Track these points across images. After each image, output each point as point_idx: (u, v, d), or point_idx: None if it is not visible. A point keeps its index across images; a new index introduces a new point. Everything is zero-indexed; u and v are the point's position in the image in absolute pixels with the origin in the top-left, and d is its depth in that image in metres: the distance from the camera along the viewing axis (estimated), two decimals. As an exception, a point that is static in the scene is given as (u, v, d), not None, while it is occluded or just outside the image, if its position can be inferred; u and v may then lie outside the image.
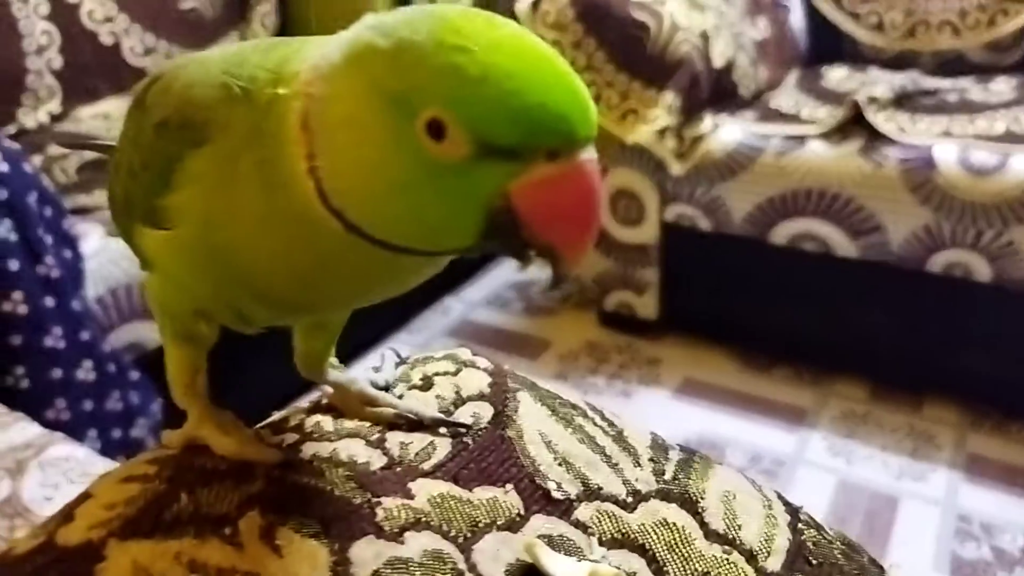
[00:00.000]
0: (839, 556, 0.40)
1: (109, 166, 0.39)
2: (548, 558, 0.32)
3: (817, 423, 1.39)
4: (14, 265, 0.87)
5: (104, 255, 1.06)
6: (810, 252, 1.42)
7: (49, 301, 0.90)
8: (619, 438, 0.42)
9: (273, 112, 0.29)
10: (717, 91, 1.51)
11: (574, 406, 0.44)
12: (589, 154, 0.27)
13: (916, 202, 1.30)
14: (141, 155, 0.34)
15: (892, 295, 1.39)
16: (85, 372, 0.94)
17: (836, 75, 1.70)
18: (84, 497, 0.35)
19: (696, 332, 1.63)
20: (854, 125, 1.37)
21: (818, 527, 0.41)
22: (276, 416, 0.43)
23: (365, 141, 0.27)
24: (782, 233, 1.43)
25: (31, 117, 1.54)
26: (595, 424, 0.43)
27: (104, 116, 1.56)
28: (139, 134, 0.34)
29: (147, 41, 1.70)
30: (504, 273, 1.92)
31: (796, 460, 1.30)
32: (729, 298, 1.55)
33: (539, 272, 0.31)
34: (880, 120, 1.35)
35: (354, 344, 1.53)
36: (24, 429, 0.69)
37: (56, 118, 1.57)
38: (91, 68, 1.62)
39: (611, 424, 0.43)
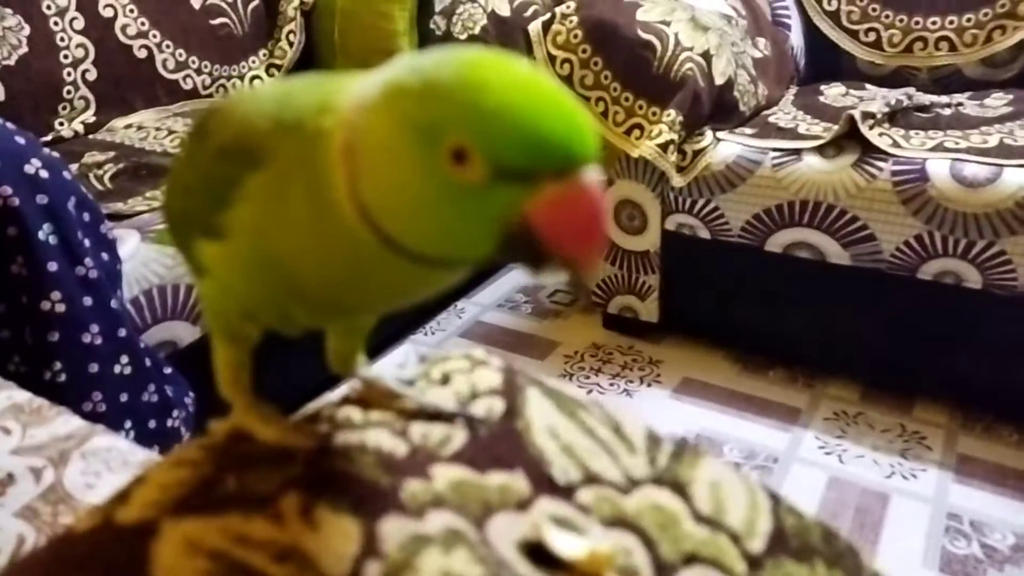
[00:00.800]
0: (818, 541, 0.42)
1: (163, 183, 0.42)
2: (553, 535, 0.35)
3: (810, 423, 1.41)
4: (53, 266, 0.91)
5: (139, 259, 1.09)
6: (804, 259, 1.44)
7: (87, 300, 0.94)
8: (617, 430, 0.45)
9: (319, 140, 0.32)
10: (718, 108, 1.53)
11: (577, 401, 0.47)
12: (593, 173, 0.30)
13: (908, 213, 1.32)
14: (199, 176, 0.37)
15: (884, 300, 1.41)
16: (121, 367, 0.97)
17: (833, 92, 1.72)
18: (139, 480, 0.38)
19: (695, 335, 1.66)
20: (849, 139, 1.39)
21: (798, 515, 0.44)
22: (310, 408, 0.46)
23: (398, 166, 0.30)
24: (777, 242, 1.45)
25: (67, 127, 1.58)
26: (596, 418, 0.46)
27: (138, 127, 1.60)
28: (197, 158, 0.38)
29: (179, 56, 1.74)
30: (514, 278, 1.96)
31: (790, 457, 1.32)
32: (727, 303, 1.57)
33: (550, 279, 0.33)
34: (874, 135, 1.38)
35: (377, 342, 1.57)
36: (67, 421, 0.72)
37: (90, 128, 1.61)
38: (125, 81, 1.66)
39: (610, 418, 0.46)
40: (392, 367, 0.48)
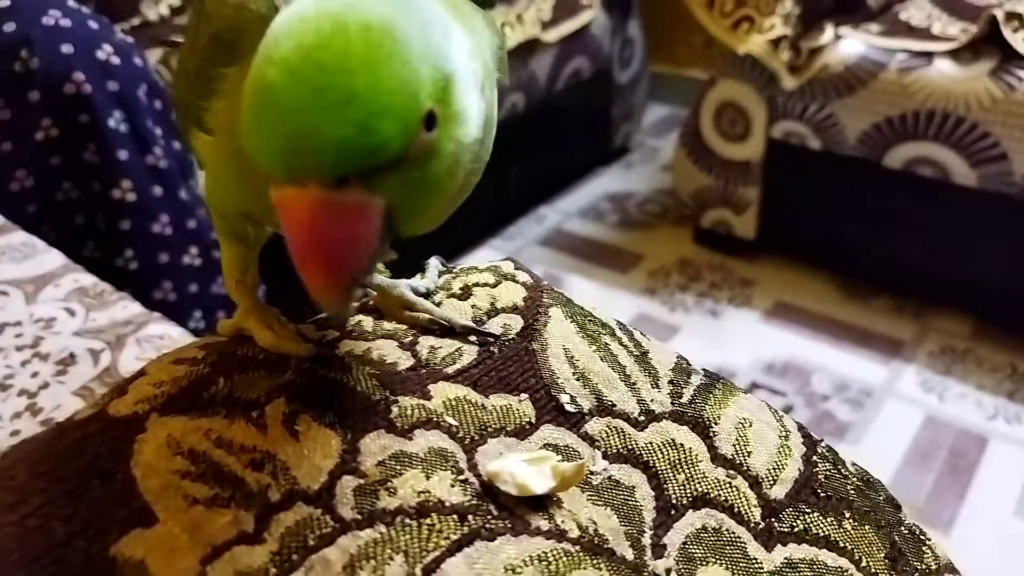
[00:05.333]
0: (851, 492, 0.40)
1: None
2: (518, 474, 0.34)
3: (914, 357, 1.34)
4: (123, 155, 0.94)
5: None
6: (926, 178, 1.34)
7: (157, 190, 0.97)
8: (642, 359, 0.43)
9: None
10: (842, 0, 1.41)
11: (604, 325, 0.45)
12: (323, 190, 0.25)
13: (1051, 130, 1.20)
14: (195, 61, 0.36)
15: (1010, 228, 1.30)
16: (191, 257, 1.01)
17: (979, -15, 1.55)
18: (139, 374, 0.39)
19: (794, 256, 1.58)
20: (988, 44, 1.26)
21: (836, 462, 0.41)
22: (324, 314, 0.46)
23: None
24: (898, 156, 1.35)
25: (153, 10, 1.61)
26: (621, 344, 0.44)
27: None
28: (196, 41, 0.37)
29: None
30: (602, 184, 1.91)
31: (885, 392, 1.27)
32: (833, 222, 1.49)
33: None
34: (1018, 39, 1.24)
35: (450, 247, 1.58)
36: (126, 307, 0.76)
37: (177, 11, 1.63)
38: (212, -38, 1.67)
39: (637, 345, 0.44)
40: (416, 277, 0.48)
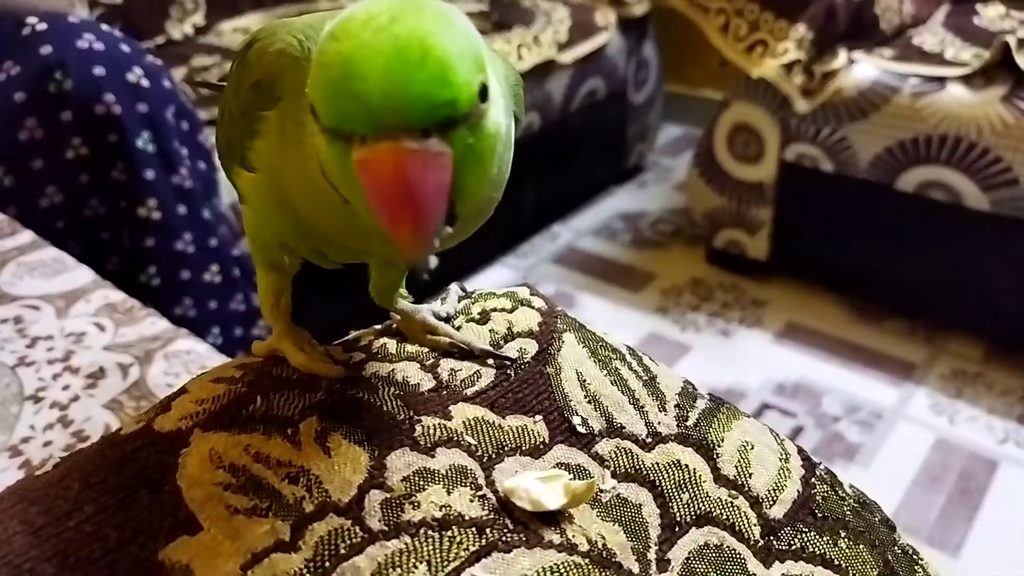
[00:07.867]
0: (848, 512, 0.43)
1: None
2: (532, 490, 0.37)
3: (925, 379, 1.36)
4: (150, 175, 0.97)
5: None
6: (938, 201, 1.36)
7: (181, 209, 1.01)
8: (650, 383, 0.46)
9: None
10: (855, 24, 1.45)
11: (614, 350, 0.48)
12: (412, 141, 0.27)
13: (1063, 156, 1.22)
14: (239, 106, 0.39)
15: (1022, 253, 1.33)
16: (211, 275, 1.05)
17: (991, 13, 1.58)
18: (181, 391, 0.42)
19: (807, 277, 1.61)
20: (1001, 69, 1.29)
21: (834, 484, 0.44)
22: (351, 335, 0.49)
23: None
24: (910, 180, 1.38)
25: (177, 29, 1.66)
26: (630, 368, 0.47)
27: (244, 31, 1.67)
28: (239, 87, 0.40)
29: (285, -41, 1.78)
30: (615, 203, 1.94)
31: (896, 414, 1.29)
32: (846, 244, 1.51)
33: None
34: (1031, 65, 1.27)
35: (465, 264, 1.61)
36: (154, 323, 0.79)
37: (200, 30, 1.68)
38: (234, -19, 1.72)
39: (646, 369, 0.47)
40: (436, 301, 0.51)
